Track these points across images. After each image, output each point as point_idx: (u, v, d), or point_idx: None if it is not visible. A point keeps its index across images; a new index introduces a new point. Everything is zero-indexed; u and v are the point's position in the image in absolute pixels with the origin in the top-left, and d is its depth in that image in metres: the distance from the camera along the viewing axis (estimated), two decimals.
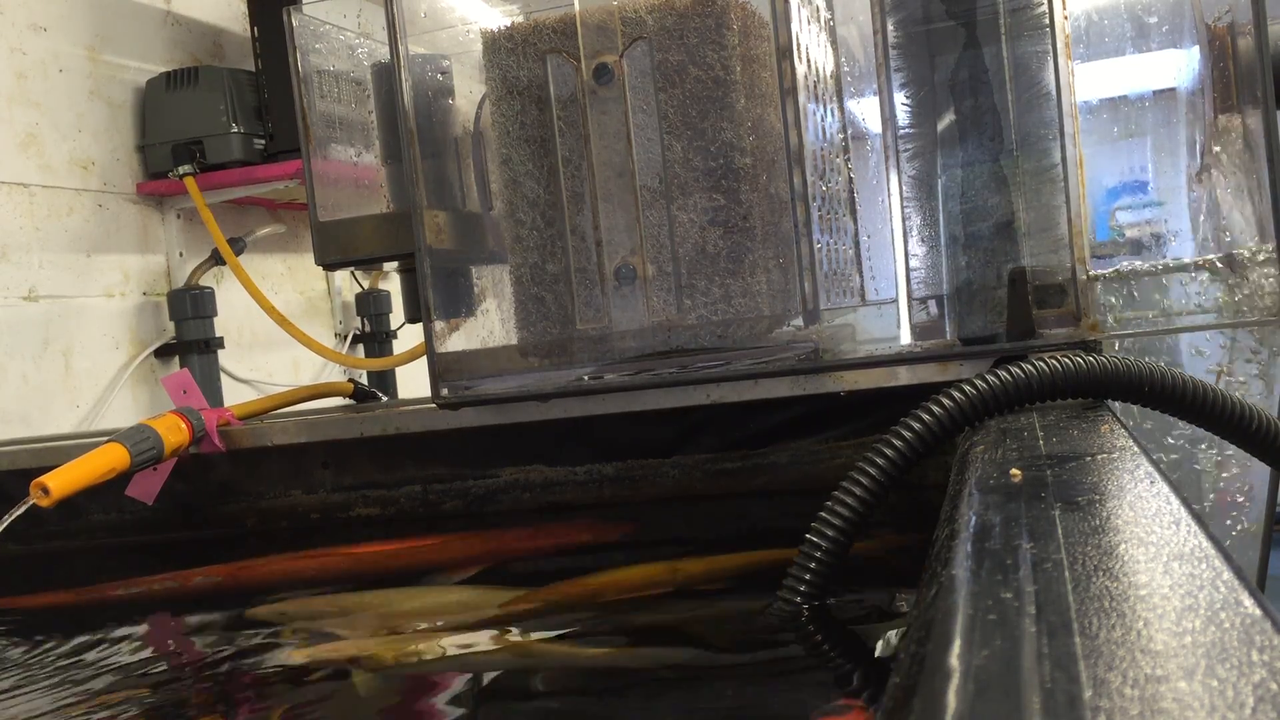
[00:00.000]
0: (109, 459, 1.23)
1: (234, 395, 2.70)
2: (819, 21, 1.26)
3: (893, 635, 0.77)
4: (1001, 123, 1.11)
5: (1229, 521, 1.36)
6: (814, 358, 1.14)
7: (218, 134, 2.51)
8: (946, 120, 1.14)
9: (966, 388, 0.82)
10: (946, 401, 0.81)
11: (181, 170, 2.49)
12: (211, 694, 0.87)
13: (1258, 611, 0.36)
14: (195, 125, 2.52)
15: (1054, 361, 0.82)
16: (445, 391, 1.21)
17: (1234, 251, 1.09)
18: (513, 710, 0.80)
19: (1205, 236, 1.13)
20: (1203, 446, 1.32)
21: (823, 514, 0.79)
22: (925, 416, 0.80)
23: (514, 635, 0.93)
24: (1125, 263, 1.11)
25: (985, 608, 0.40)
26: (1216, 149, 1.12)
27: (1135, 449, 0.68)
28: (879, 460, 0.79)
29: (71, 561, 1.47)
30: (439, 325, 1.21)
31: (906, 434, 0.79)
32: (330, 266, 1.31)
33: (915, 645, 0.41)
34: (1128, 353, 1.10)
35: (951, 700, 0.32)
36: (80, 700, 0.86)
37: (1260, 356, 1.29)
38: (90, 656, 0.99)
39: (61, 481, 1.17)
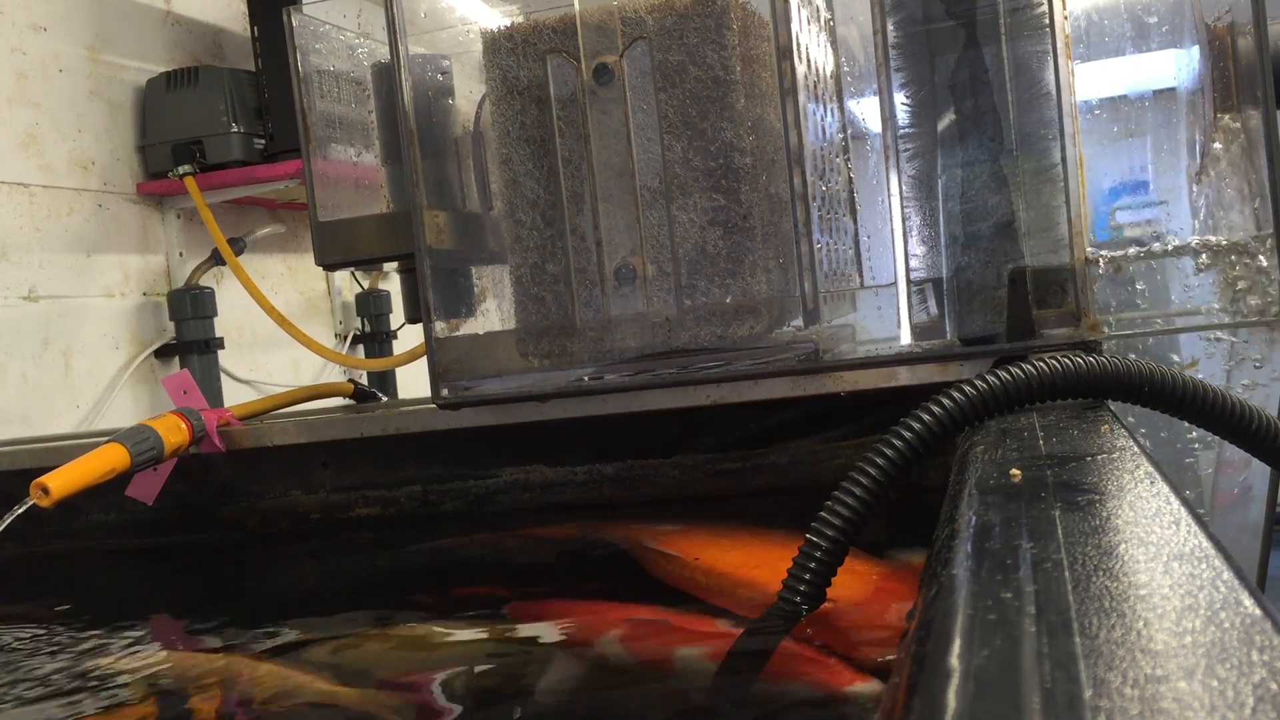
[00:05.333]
0: (109, 459, 1.23)
1: (234, 395, 2.70)
2: (819, 21, 1.26)
3: None
4: (1001, 123, 1.11)
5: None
6: (814, 358, 1.14)
7: (218, 134, 2.51)
8: (946, 120, 1.14)
9: (966, 388, 0.82)
10: (946, 402, 0.81)
11: (181, 170, 2.49)
12: None
13: (1258, 611, 0.36)
14: (195, 125, 2.52)
15: (1054, 362, 0.82)
16: (445, 392, 1.21)
17: (1234, 251, 1.09)
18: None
19: (1205, 236, 1.13)
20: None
21: (823, 514, 0.79)
22: (925, 417, 0.80)
23: None
24: (1121, 251, 1.10)
25: (985, 608, 0.40)
26: (1216, 148, 1.12)
27: (1135, 449, 0.68)
28: (879, 460, 0.79)
29: (74, 561, 1.48)
30: (439, 325, 1.21)
31: (906, 434, 0.79)
32: (330, 267, 1.31)
33: (915, 645, 0.41)
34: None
35: (951, 700, 0.32)
36: None
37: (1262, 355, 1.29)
38: None
39: (61, 482, 1.17)
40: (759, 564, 0.96)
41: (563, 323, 1.16)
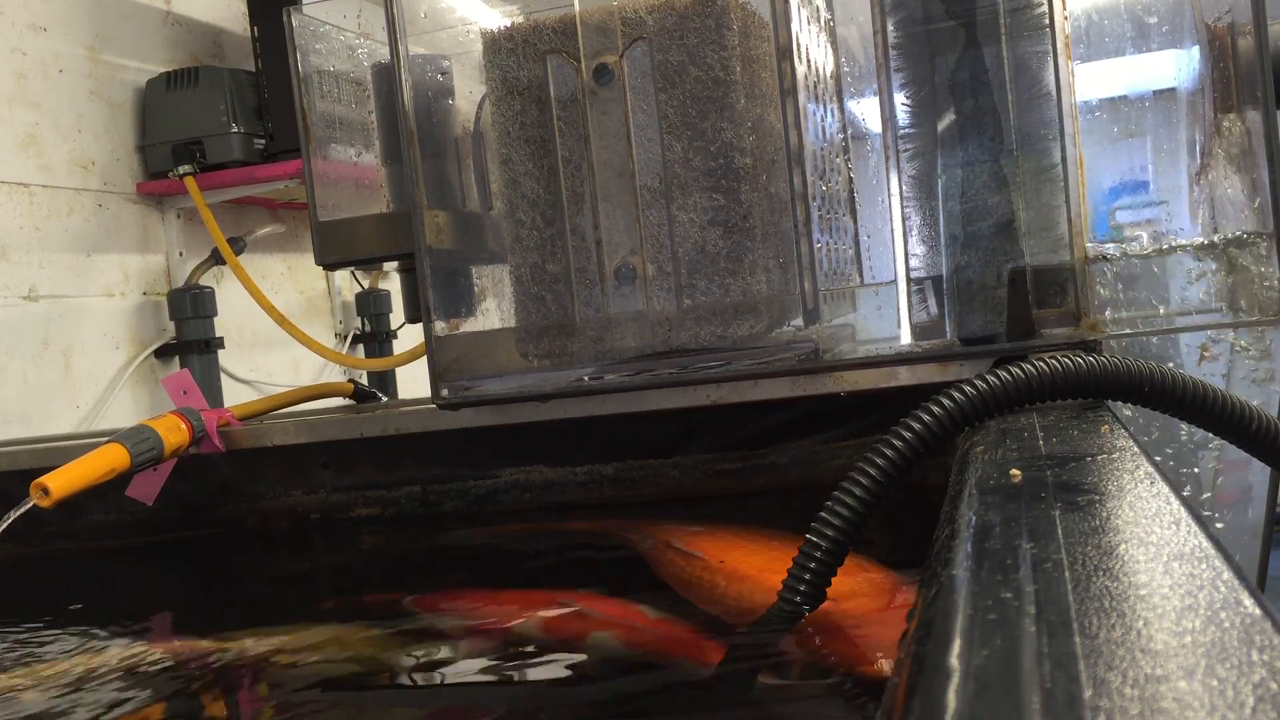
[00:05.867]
0: (109, 459, 1.23)
1: (234, 395, 2.70)
2: (819, 21, 1.26)
3: None
4: (1001, 123, 1.11)
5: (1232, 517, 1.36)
6: (814, 358, 1.14)
7: (218, 134, 2.51)
8: (946, 120, 1.14)
9: (966, 388, 0.82)
10: (946, 402, 0.81)
11: (181, 170, 2.49)
12: None
13: (1258, 611, 0.36)
14: (195, 125, 2.52)
15: (1054, 361, 0.82)
16: (445, 392, 1.21)
17: (1233, 251, 1.09)
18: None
19: (1205, 236, 1.13)
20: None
21: (823, 514, 0.79)
22: (925, 417, 0.80)
23: None
24: (1121, 251, 1.11)
25: (985, 608, 0.40)
26: (1216, 148, 1.12)
27: (1135, 449, 0.68)
28: (879, 460, 0.79)
29: (74, 561, 1.47)
30: (439, 325, 1.21)
31: (906, 434, 0.79)
32: (330, 266, 1.31)
33: (915, 645, 0.41)
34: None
35: (951, 700, 0.32)
36: None
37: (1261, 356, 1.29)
38: None
39: (61, 482, 1.17)
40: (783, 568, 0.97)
41: (563, 322, 1.16)
